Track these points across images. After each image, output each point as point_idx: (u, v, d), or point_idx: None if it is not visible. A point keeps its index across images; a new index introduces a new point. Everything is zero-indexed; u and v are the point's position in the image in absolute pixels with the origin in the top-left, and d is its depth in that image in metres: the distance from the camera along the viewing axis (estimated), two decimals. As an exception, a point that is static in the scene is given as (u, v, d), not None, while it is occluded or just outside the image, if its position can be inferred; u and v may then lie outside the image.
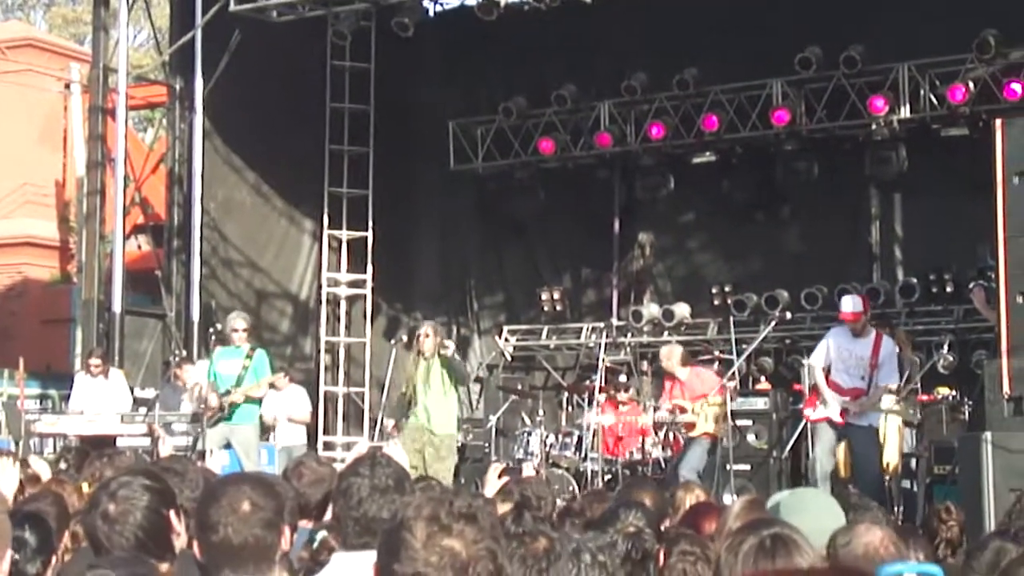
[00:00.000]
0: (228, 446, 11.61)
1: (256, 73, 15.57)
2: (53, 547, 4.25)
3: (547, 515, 5.84)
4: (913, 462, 11.86)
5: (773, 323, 13.36)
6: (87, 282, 15.47)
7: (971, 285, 12.53)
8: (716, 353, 14.91)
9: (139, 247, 19.34)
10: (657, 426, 12.96)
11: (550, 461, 12.92)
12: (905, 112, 14.33)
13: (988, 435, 8.27)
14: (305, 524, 4.90)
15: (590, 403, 13.13)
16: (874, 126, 14.53)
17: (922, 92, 14.22)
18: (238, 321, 12.05)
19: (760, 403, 13.43)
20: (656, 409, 12.85)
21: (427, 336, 11.22)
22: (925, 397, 12.76)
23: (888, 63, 14.31)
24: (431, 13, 17.28)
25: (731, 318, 14.33)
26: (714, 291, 15.90)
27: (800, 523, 3.71)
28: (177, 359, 14.54)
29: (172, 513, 3.80)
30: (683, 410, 12.15)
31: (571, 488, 12.27)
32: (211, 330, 13.02)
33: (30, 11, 41.15)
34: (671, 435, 13.04)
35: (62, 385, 17.15)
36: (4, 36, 27.50)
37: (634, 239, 16.78)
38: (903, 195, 15.22)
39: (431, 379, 11.18)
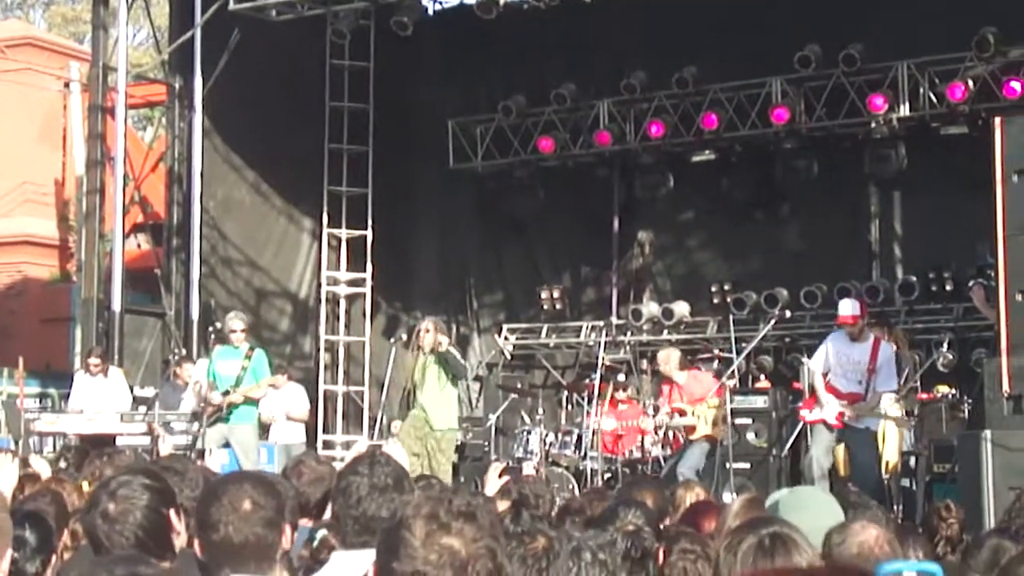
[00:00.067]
0: (227, 445, 11.62)
1: (255, 72, 15.56)
2: (53, 546, 4.25)
3: (545, 513, 5.84)
4: (912, 460, 11.85)
5: (772, 321, 13.37)
6: (87, 281, 15.47)
7: (970, 283, 12.55)
8: (716, 351, 14.93)
9: (138, 246, 19.33)
10: (657, 429, 12.97)
11: (550, 460, 12.92)
12: (904, 110, 14.33)
13: (988, 433, 8.28)
14: (305, 523, 4.91)
15: (590, 402, 13.13)
16: (873, 124, 14.52)
17: (921, 90, 14.22)
18: (235, 322, 12.05)
19: (760, 401, 13.42)
20: (656, 412, 12.87)
21: (427, 332, 11.22)
22: (924, 395, 12.76)
23: (887, 61, 14.31)
24: (430, 12, 17.28)
25: (730, 316, 14.33)
26: (713, 289, 15.90)
27: (799, 521, 3.71)
28: (177, 358, 14.54)
29: (172, 512, 3.80)
30: (683, 413, 12.19)
31: (571, 487, 12.27)
32: (210, 329, 13.02)
33: (29, 10, 41.15)
34: (671, 433, 13.05)
35: (62, 384, 17.15)
36: (3, 35, 27.49)
37: (633, 237, 16.78)
38: (902, 193, 15.22)
39: (428, 375, 11.18)
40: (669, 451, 12.86)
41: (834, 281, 14.79)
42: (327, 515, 4.90)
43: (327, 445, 16.54)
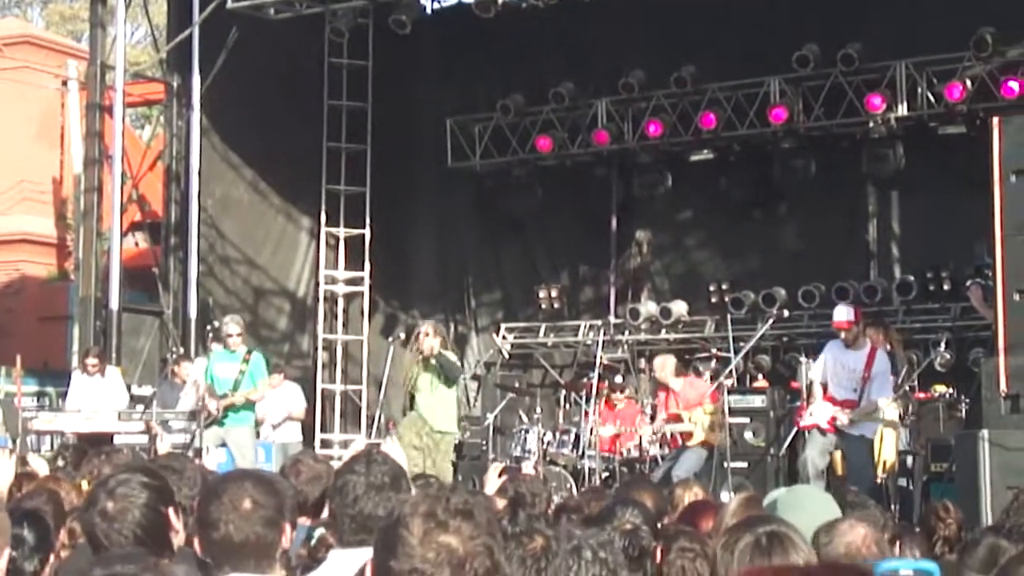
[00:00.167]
0: (223, 445, 11.63)
1: (254, 70, 15.56)
2: (52, 545, 4.25)
3: (542, 512, 5.85)
4: (910, 460, 11.87)
5: (770, 321, 13.37)
6: (84, 279, 15.46)
7: (968, 283, 12.56)
8: (713, 351, 14.94)
9: (136, 244, 19.32)
10: (654, 434, 12.97)
11: (548, 459, 12.92)
12: (902, 110, 14.34)
13: (985, 433, 8.29)
14: (303, 521, 4.91)
15: (588, 401, 13.13)
16: (871, 124, 14.53)
17: (919, 90, 14.23)
18: (232, 326, 12.04)
19: (757, 401, 13.44)
20: (654, 412, 12.87)
21: (426, 335, 11.18)
22: (922, 395, 12.78)
23: (885, 61, 14.32)
24: (429, 11, 17.26)
25: (728, 316, 14.33)
26: (711, 289, 15.91)
27: (797, 520, 3.72)
28: (175, 356, 14.53)
29: (170, 511, 3.80)
30: (679, 419, 12.20)
31: (569, 486, 12.27)
32: (208, 327, 13.03)
33: (27, 8, 41.12)
34: (668, 433, 13.05)
35: (59, 382, 17.14)
36: (1, 33, 27.44)
37: (632, 237, 16.78)
38: (900, 193, 15.23)
39: (423, 380, 11.16)
40: (667, 449, 12.86)
41: (832, 281, 14.80)
42: (325, 514, 4.90)
43: (325, 444, 16.54)
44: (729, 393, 12.49)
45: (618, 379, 14.49)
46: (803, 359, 13.65)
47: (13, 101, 25.43)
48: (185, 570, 3.64)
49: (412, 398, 11.32)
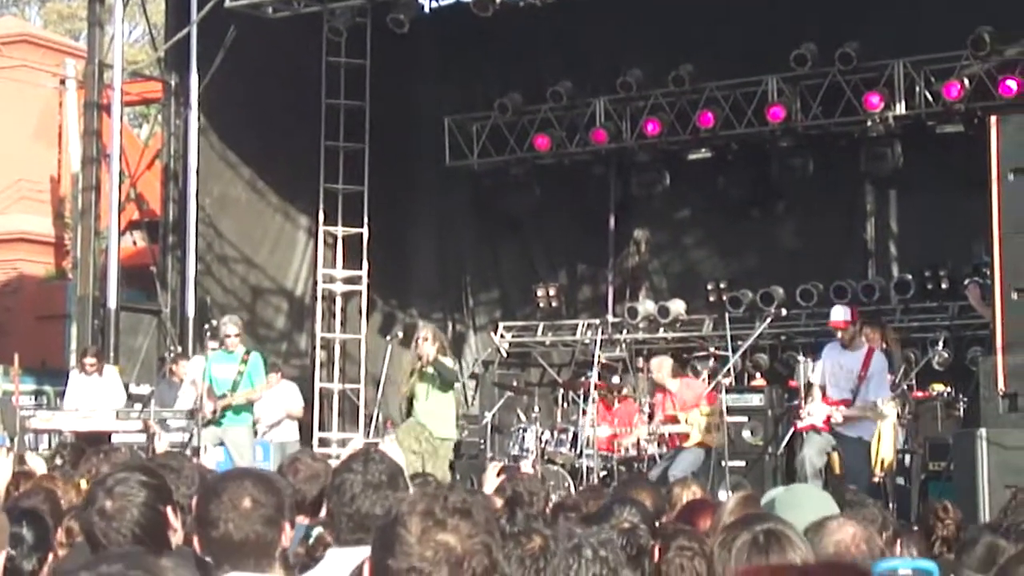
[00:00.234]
0: (222, 444, 11.63)
1: (252, 69, 15.56)
2: (50, 544, 4.25)
3: (540, 511, 5.85)
4: (907, 459, 11.87)
5: (768, 319, 13.38)
6: (82, 278, 15.45)
7: (966, 282, 12.57)
8: (711, 350, 14.94)
9: (134, 243, 19.32)
10: (650, 435, 12.97)
11: (545, 457, 12.91)
12: (900, 109, 14.34)
13: (983, 431, 8.30)
14: (301, 520, 4.91)
15: (585, 400, 13.13)
16: (869, 123, 14.53)
17: (917, 89, 14.23)
18: (230, 327, 12.03)
19: (755, 399, 13.43)
20: (651, 411, 12.87)
21: (425, 340, 11.13)
22: (920, 393, 12.78)
23: (883, 60, 14.33)
24: (427, 9, 17.23)
25: (726, 314, 14.32)
26: (709, 287, 15.91)
27: (795, 519, 3.71)
28: (173, 355, 14.53)
29: (168, 509, 3.80)
30: (675, 421, 12.19)
31: (567, 484, 12.27)
32: (206, 326, 13.01)
33: (25, 7, 41.09)
34: (666, 432, 13.05)
35: (57, 381, 17.12)
36: (-1, 32, 27.43)
37: (629, 235, 16.78)
38: (898, 192, 15.23)
39: (419, 388, 11.14)
40: (665, 449, 12.86)
41: (830, 279, 14.81)
42: (323, 512, 4.90)
43: (323, 443, 16.54)
44: (727, 392, 12.49)
45: (615, 379, 14.49)
46: (801, 358, 13.66)
47: (11, 100, 25.40)
48: (176, 563, 3.63)
49: (411, 403, 11.30)
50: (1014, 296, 8.56)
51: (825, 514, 4.16)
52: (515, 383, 15.76)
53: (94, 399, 12.91)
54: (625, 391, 14.22)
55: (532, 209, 16.91)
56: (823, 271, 15.05)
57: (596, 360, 13.38)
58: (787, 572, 2.74)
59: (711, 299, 15.87)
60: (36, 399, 18.37)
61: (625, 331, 16.37)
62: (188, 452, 10.57)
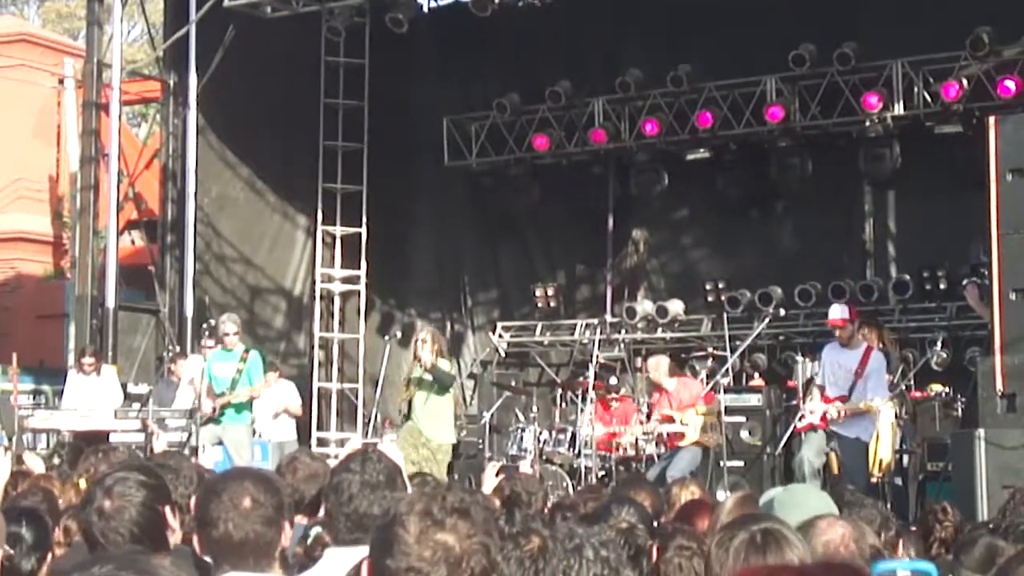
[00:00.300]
0: (221, 443, 11.62)
1: (250, 69, 15.56)
2: (49, 543, 4.25)
3: (538, 511, 5.85)
4: (905, 459, 11.87)
5: (767, 320, 13.39)
6: (81, 277, 15.46)
7: (964, 282, 12.56)
8: (710, 350, 14.94)
9: (132, 242, 19.32)
10: (647, 434, 12.98)
11: (544, 457, 12.91)
12: (899, 109, 14.34)
13: (981, 432, 8.30)
14: (299, 520, 4.91)
15: (584, 400, 13.13)
16: (868, 123, 14.53)
17: (916, 89, 14.23)
18: (228, 325, 12.02)
19: (754, 399, 13.44)
20: (649, 411, 12.88)
21: (423, 343, 11.09)
22: (918, 394, 12.77)
23: (882, 60, 14.32)
24: (425, 9, 17.23)
25: (725, 315, 14.34)
26: (708, 287, 15.90)
27: (793, 519, 3.71)
28: (171, 355, 14.54)
29: (167, 509, 3.80)
30: (672, 420, 12.19)
31: (565, 484, 12.27)
32: (204, 326, 13.01)
33: (23, 6, 41.05)
34: (664, 432, 13.06)
35: (56, 380, 17.12)
36: (-2, 31, 27.42)
37: (628, 235, 16.78)
38: (897, 192, 15.23)
39: (421, 394, 11.12)
40: (663, 448, 12.87)
41: (828, 280, 14.80)
42: (321, 512, 4.90)
43: (321, 442, 16.54)
44: (725, 392, 12.49)
45: (613, 379, 14.48)
46: (799, 358, 13.69)
47: (9, 99, 25.40)
48: (174, 563, 3.63)
49: (409, 407, 11.28)
50: (1012, 296, 8.56)
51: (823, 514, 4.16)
52: (513, 383, 15.76)
53: (92, 398, 12.92)
54: (623, 391, 14.21)
55: (531, 209, 16.91)
56: (821, 271, 15.05)
57: (594, 360, 13.39)
58: (784, 572, 2.74)
59: (709, 299, 15.86)
60: (34, 398, 18.37)
61: (623, 331, 16.37)
62: (186, 451, 10.57)
